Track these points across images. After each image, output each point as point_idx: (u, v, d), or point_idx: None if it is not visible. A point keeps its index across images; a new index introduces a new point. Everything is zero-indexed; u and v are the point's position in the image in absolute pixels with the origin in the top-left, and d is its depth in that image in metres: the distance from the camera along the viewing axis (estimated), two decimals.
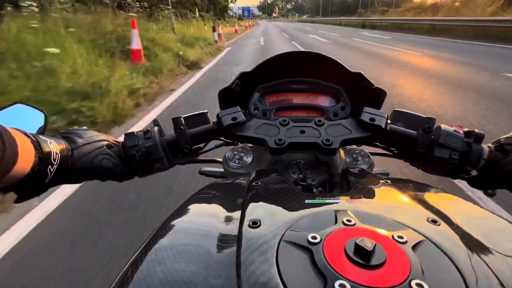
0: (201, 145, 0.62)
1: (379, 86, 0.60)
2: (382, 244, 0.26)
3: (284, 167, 0.59)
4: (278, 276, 0.24)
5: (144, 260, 0.29)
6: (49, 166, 0.39)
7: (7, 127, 0.33)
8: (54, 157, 0.39)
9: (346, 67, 0.62)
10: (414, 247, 0.27)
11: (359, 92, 0.62)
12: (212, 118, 0.59)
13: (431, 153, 0.52)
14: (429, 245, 0.28)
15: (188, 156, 0.59)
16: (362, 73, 0.61)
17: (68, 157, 0.44)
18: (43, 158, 0.37)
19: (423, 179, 0.55)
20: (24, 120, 0.52)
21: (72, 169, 0.45)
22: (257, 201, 0.37)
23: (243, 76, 0.63)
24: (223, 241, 0.31)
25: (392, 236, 0.28)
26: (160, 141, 0.53)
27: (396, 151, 0.62)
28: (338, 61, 0.62)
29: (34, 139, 0.37)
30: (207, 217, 0.38)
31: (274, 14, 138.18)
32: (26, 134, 0.36)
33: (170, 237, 0.33)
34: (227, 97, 0.63)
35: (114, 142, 0.53)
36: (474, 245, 0.28)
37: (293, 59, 0.64)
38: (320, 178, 0.57)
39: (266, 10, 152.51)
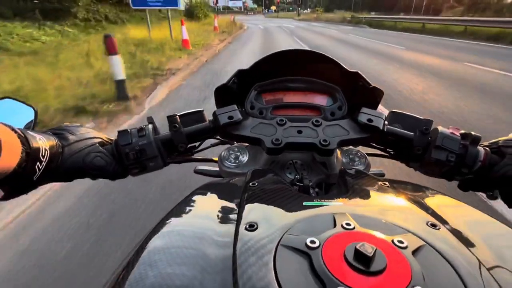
0: (197, 143, 0.61)
1: (376, 86, 0.60)
2: (383, 249, 0.26)
3: (280, 167, 0.59)
4: (275, 282, 0.24)
5: (137, 263, 0.29)
6: (38, 163, 0.37)
7: None
8: (43, 154, 0.38)
9: (344, 66, 0.61)
10: (414, 252, 0.27)
11: (357, 91, 0.62)
12: (208, 117, 0.58)
13: (428, 155, 0.52)
14: (430, 250, 0.28)
15: (183, 155, 0.59)
16: (360, 72, 0.60)
17: (58, 154, 0.43)
18: (31, 154, 0.36)
19: (419, 181, 0.54)
20: (13, 115, 0.51)
21: (62, 166, 0.43)
22: (254, 203, 0.36)
23: (240, 73, 0.62)
24: (219, 244, 0.30)
25: (392, 241, 0.28)
26: (154, 139, 0.52)
27: (392, 152, 0.62)
28: (336, 59, 0.61)
29: (22, 134, 0.36)
30: (202, 219, 0.37)
31: (273, 8, 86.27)
32: (13, 129, 0.35)
33: (165, 239, 0.33)
34: (223, 94, 0.63)
35: (107, 140, 0.52)
36: (474, 250, 0.28)
37: (291, 57, 0.63)
38: (317, 179, 0.57)
39: (263, 1, 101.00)
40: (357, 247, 0.25)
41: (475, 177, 0.52)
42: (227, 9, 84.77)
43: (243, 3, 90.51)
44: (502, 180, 0.48)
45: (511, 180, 0.47)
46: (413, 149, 0.53)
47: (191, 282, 0.26)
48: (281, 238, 0.29)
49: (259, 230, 0.30)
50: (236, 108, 0.54)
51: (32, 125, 0.51)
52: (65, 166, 0.44)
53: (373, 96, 0.61)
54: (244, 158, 0.67)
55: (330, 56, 0.61)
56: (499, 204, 1.76)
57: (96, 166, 0.46)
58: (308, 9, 71.07)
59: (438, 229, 0.31)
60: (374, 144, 0.61)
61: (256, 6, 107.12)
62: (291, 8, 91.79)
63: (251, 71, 0.62)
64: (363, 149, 0.69)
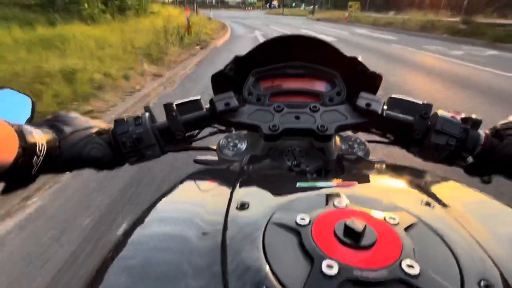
0: (195, 132, 0.61)
1: (375, 71, 0.59)
2: (373, 226, 0.26)
3: (278, 154, 0.58)
4: (264, 258, 0.24)
5: (125, 247, 0.29)
6: (35, 158, 0.37)
7: None
8: (40, 148, 0.38)
9: (342, 51, 0.61)
10: (406, 229, 0.27)
11: (355, 77, 0.61)
12: (205, 105, 0.57)
13: (428, 139, 0.51)
14: (422, 226, 0.28)
15: (181, 144, 0.58)
16: (358, 57, 0.60)
17: (55, 148, 0.42)
18: (27, 149, 0.36)
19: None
20: (11, 106, 0.51)
21: (60, 159, 0.43)
22: (248, 185, 0.36)
23: (237, 60, 0.61)
24: (210, 224, 0.30)
25: (384, 218, 0.28)
26: (151, 127, 0.51)
27: (392, 138, 0.61)
28: (333, 45, 0.60)
29: (18, 129, 0.36)
30: (194, 202, 0.37)
31: (275, 2, 71.75)
32: (10, 124, 0.35)
33: (154, 223, 0.33)
34: (220, 81, 0.62)
35: (104, 129, 0.51)
36: (468, 227, 0.28)
37: (288, 43, 0.62)
38: (315, 165, 0.56)
39: None
40: (347, 223, 0.25)
41: (476, 161, 0.52)
42: (221, 3, 71.71)
43: None
44: (505, 160, 0.47)
45: None
46: (413, 134, 0.52)
47: (180, 260, 0.26)
48: (271, 216, 0.29)
49: (250, 209, 0.30)
50: (233, 95, 0.54)
51: (30, 116, 0.51)
52: (63, 159, 0.43)
53: (372, 81, 0.60)
54: (243, 146, 0.67)
55: (328, 42, 0.60)
56: None
57: (93, 157, 0.46)
58: (312, 6, 53.66)
59: (433, 207, 0.31)
60: (373, 130, 0.60)
61: (256, 0, 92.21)
62: (293, 4, 77.21)
63: (249, 57, 0.61)
64: (362, 136, 0.68)
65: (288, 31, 14.12)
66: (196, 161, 0.81)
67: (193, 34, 8.71)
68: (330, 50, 0.60)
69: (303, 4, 67.92)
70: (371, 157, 0.67)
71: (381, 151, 0.71)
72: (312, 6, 45.53)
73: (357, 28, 16.88)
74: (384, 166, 0.43)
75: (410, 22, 14.72)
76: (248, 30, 14.32)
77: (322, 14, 31.12)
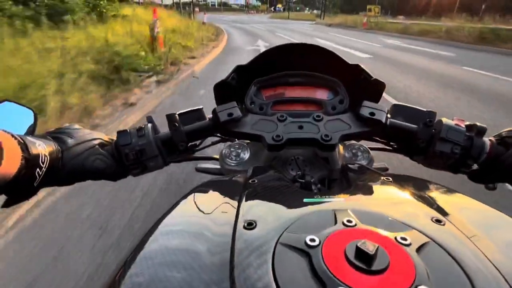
0: (197, 142, 0.60)
1: (378, 78, 0.59)
2: (385, 247, 0.25)
3: (282, 164, 0.58)
4: (274, 282, 0.23)
5: (134, 264, 0.28)
6: (37, 169, 0.37)
7: None
8: (43, 160, 0.38)
9: (344, 59, 0.60)
10: (418, 250, 0.26)
11: (358, 84, 0.60)
12: (208, 114, 0.57)
13: (432, 147, 0.51)
14: (435, 247, 0.27)
15: (184, 154, 0.58)
16: (360, 65, 0.59)
17: (58, 159, 0.42)
18: (30, 161, 0.36)
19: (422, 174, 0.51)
20: (12, 118, 0.50)
21: (63, 171, 0.43)
22: (253, 201, 0.36)
23: (239, 69, 0.61)
24: (217, 243, 0.29)
25: (395, 238, 0.27)
26: (154, 138, 0.51)
27: (396, 146, 0.60)
28: (336, 53, 0.60)
29: (22, 141, 0.35)
30: (201, 218, 0.36)
31: (279, 6, 68.49)
32: (13, 136, 0.34)
33: (162, 239, 0.32)
34: (223, 91, 0.62)
35: (106, 140, 0.51)
36: (482, 246, 0.27)
37: (290, 52, 0.62)
38: (319, 175, 0.56)
39: None
40: (358, 245, 0.24)
41: (481, 169, 0.51)
42: (224, 6, 69.28)
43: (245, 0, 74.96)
44: (511, 169, 0.47)
45: None
46: (417, 141, 0.52)
47: (188, 282, 0.25)
48: (280, 237, 0.28)
49: (258, 229, 0.30)
50: (236, 105, 0.53)
51: (32, 128, 0.50)
52: (66, 171, 0.43)
53: (375, 89, 0.60)
54: (245, 155, 0.67)
55: (330, 50, 0.60)
56: None
57: (96, 169, 0.46)
58: (317, 9, 49.69)
59: (443, 224, 0.30)
60: (377, 138, 0.60)
61: (260, 4, 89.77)
62: (298, 8, 74.40)
63: (251, 66, 0.61)
64: (365, 143, 0.68)
65: (300, 40, 11.09)
66: (198, 170, 0.80)
67: (164, 49, 5.68)
68: (332, 57, 0.61)
69: (307, 8, 65.59)
70: (375, 165, 0.67)
71: (385, 155, 0.62)
72: (318, 10, 42.56)
73: (384, 37, 13.55)
74: (390, 177, 0.42)
75: (456, 30, 11.54)
76: (249, 39, 11.29)
77: (332, 19, 27.78)
